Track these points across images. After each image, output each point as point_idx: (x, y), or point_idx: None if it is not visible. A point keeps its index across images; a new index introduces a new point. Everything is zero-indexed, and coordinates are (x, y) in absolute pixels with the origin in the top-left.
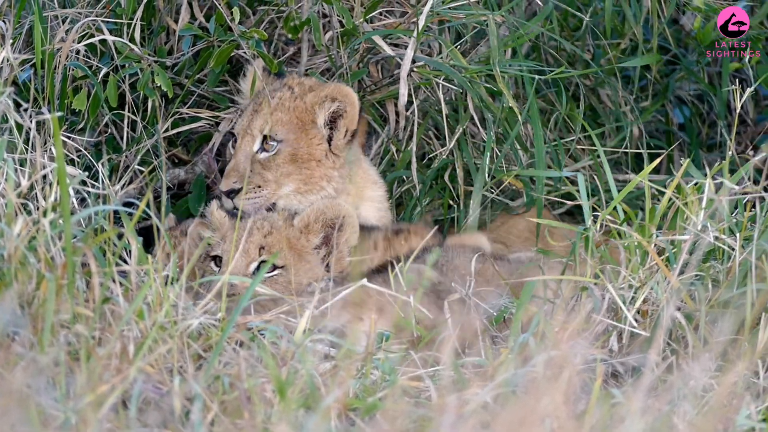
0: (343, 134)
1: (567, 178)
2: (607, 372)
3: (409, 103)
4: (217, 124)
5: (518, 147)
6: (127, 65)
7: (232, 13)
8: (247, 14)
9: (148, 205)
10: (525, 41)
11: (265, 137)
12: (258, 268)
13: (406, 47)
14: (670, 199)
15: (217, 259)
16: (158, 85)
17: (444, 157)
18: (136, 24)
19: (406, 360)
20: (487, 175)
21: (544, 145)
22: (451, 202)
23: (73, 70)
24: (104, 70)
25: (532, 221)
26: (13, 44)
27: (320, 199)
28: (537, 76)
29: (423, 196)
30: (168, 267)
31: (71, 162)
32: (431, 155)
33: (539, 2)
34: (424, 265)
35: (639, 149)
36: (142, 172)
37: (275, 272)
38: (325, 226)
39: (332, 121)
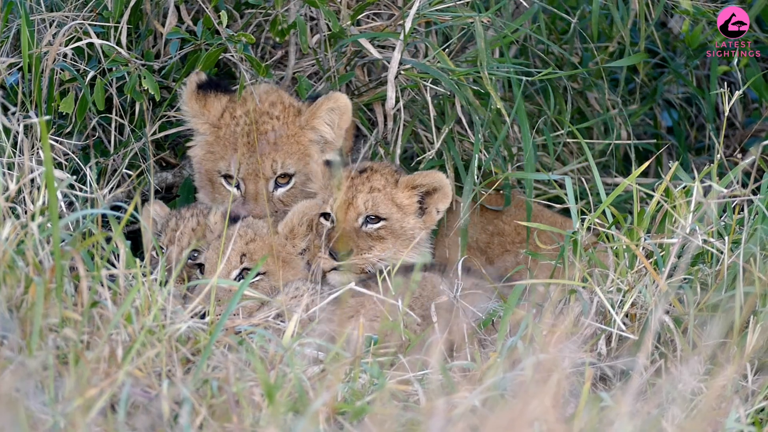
0: (342, 135)
1: (555, 181)
2: (596, 375)
3: (400, 111)
4: None
5: (505, 150)
6: (114, 68)
7: (219, 17)
8: (234, 18)
9: (136, 209)
10: (510, 40)
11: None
12: (240, 275)
13: (393, 49)
14: (659, 202)
15: (203, 267)
16: (145, 88)
17: (430, 159)
18: (123, 27)
19: (394, 364)
20: (476, 176)
21: (532, 147)
22: None
23: (60, 73)
24: (91, 74)
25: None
26: (0, 47)
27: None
28: (524, 78)
29: None
30: (156, 271)
31: (59, 165)
32: (420, 158)
33: (526, 5)
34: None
35: (627, 152)
36: (129, 175)
37: (257, 278)
38: (309, 227)
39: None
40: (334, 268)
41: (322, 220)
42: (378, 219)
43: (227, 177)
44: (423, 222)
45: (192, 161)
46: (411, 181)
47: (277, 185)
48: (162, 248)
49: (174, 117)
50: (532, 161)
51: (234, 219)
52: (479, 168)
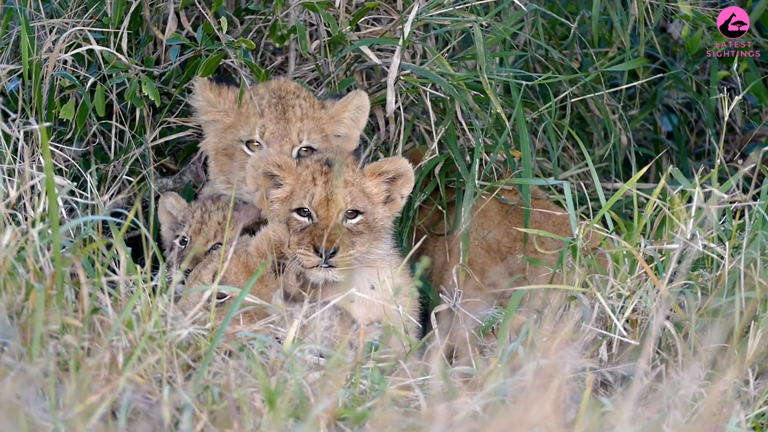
0: (358, 135)
1: (555, 186)
2: (597, 381)
3: (400, 108)
4: None
5: (505, 154)
6: (114, 75)
7: (219, 23)
8: (234, 24)
9: (136, 215)
10: (505, 37)
11: None
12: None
13: (392, 52)
14: (659, 207)
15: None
16: (146, 94)
17: (429, 159)
18: (123, 33)
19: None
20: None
21: (530, 151)
22: (440, 207)
23: (60, 79)
24: (91, 80)
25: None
26: (0, 54)
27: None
28: (524, 82)
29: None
30: (157, 277)
31: (59, 172)
32: (420, 162)
33: (525, 9)
34: None
35: (627, 157)
36: (130, 181)
37: (227, 297)
38: (276, 249)
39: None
40: (316, 265)
41: (296, 215)
42: (356, 213)
43: (249, 144)
44: (389, 209)
45: (207, 154)
46: (378, 168)
47: (299, 157)
48: (186, 238)
49: (174, 123)
50: (529, 165)
51: (252, 231)
52: (479, 173)
